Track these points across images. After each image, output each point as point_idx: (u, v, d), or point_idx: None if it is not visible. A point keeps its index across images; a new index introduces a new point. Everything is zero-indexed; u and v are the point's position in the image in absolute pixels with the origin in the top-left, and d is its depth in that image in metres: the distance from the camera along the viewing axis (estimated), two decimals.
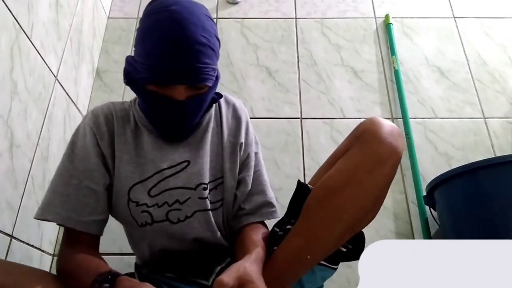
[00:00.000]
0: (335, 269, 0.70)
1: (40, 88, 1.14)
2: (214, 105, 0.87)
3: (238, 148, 0.83)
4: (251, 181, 0.83)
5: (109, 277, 0.59)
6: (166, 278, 0.76)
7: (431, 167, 1.37)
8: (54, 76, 1.23)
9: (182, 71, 0.69)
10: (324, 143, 1.43)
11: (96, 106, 0.83)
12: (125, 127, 0.80)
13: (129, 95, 1.51)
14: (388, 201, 1.34)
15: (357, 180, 0.61)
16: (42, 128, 1.15)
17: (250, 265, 0.57)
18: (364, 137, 0.63)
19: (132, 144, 0.79)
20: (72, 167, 0.74)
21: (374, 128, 0.63)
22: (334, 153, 0.73)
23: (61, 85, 1.28)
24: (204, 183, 0.77)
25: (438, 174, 1.14)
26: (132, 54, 0.77)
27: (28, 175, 1.08)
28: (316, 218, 0.63)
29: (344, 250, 0.67)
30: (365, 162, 0.61)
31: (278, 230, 0.72)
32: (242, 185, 0.82)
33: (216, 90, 0.83)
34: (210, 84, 0.74)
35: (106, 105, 0.84)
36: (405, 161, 1.39)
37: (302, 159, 1.41)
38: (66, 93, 1.32)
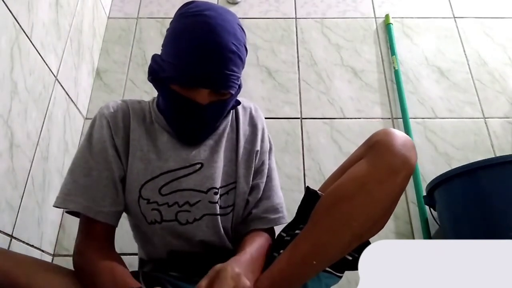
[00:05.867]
0: (340, 277, 0.70)
1: (40, 88, 1.14)
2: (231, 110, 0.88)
3: (254, 155, 0.84)
4: (262, 188, 0.83)
5: None
6: (170, 277, 0.76)
7: (431, 167, 1.37)
8: (54, 76, 1.23)
9: (210, 76, 0.70)
10: (324, 143, 1.43)
11: (113, 101, 0.84)
12: (140, 124, 0.81)
13: (129, 95, 1.52)
14: None
15: (368, 190, 0.61)
16: (42, 128, 1.15)
17: (225, 264, 0.58)
18: (377, 147, 0.64)
19: (146, 141, 0.79)
20: (91, 159, 0.75)
21: (388, 139, 0.63)
22: (345, 162, 0.74)
23: (61, 85, 1.28)
24: (216, 188, 0.78)
25: (438, 174, 1.14)
26: (158, 53, 0.78)
27: (28, 175, 1.08)
28: (325, 224, 0.63)
29: (350, 258, 0.67)
30: (377, 172, 0.61)
31: (285, 235, 0.72)
32: (255, 191, 0.82)
33: None
34: (233, 91, 0.76)
35: (122, 101, 0.85)
36: None
37: (302, 159, 1.41)
38: (66, 93, 1.32)
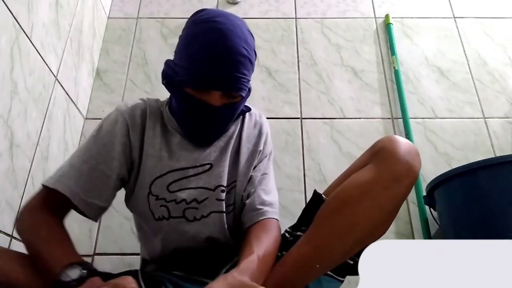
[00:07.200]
0: (342, 281, 0.71)
1: (40, 88, 1.14)
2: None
3: (256, 155, 0.86)
4: (257, 181, 0.85)
5: (80, 276, 0.57)
6: (173, 276, 0.76)
7: (431, 167, 1.37)
8: (54, 76, 1.23)
9: (222, 79, 0.73)
10: (324, 143, 1.43)
11: (131, 100, 0.86)
12: (156, 123, 0.84)
13: (129, 95, 1.52)
14: None
15: (373, 195, 0.62)
16: (42, 128, 1.15)
17: (238, 274, 0.59)
18: (382, 154, 0.65)
19: (159, 139, 0.82)
20: (94, 148, 0.77)
21: (392, 146, 0.64)
22: (349, 168, 0.75)
23: (61, 85, 1.28)
24: (223, 186, 0.80)
25: (438, 174, 1.14)
26: (171, 58, 0.81)
27: (28, 175, 1.08)
28: (328, 228, 0.64)
29: (351, 262, 0.68)
30: (382, 179, 0.62)
31: (288, 236, 0.73)
32: (249, 184, 0.84)
33: None
34: (244, 94, 0.78)
35: (141, 99, 0.87)
36: None
37: (302, 159, 1.41)
38: (66, 93, 1.32)
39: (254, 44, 0.79)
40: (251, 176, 0.85)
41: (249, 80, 0.78)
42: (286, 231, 0.74)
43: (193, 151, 0.82)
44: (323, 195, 0.71)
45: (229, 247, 0.81)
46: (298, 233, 0.70)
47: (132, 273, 0.74)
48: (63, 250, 0.63)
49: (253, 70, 0.79)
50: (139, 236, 0.88)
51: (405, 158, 0.62)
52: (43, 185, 0.73)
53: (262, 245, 0.70)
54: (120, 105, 0.84)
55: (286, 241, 0.72)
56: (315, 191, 0.73)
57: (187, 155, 0.81)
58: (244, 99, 0.81)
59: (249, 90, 0.82)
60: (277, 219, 0.79)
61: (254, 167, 0.86)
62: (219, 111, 0.76)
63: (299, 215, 0.78)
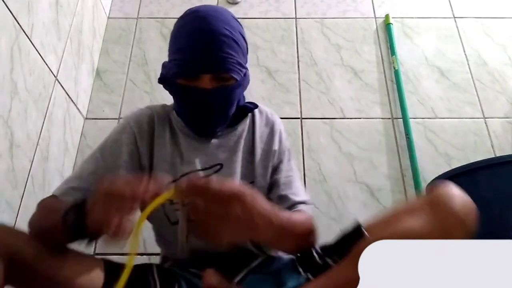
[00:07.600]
0: None
1: (40, 88, 1.14)
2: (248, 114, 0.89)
3: (272, 154, 0.85)
4: (282, 184, 0.83)
5: (76, 208, 0.60)
6: (189, 273, 0.76)
7: (431, 167, 1.37)
8: (54, 76, 1.23)
9: (206, 61, 0.74)
10: (324, 143, 1.43)
11: (138, 108, 0.88)
12: (165, 129, 0.84)
13: (129, 95, 1.52)
14: (388, 201, 1.34)
15: None
16: (42, 128, 1.15)
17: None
18: (436, 206, 0.62)
19: (169, 145, 0.82)
20: (101, 158, 0.78)
21: (447, 198, 0.63)
22: (399, 207, 0.70)
23: (61, 85, 1.28)
24: None
25: (438, 174, 1.14)
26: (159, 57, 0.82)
27: (28, 175, 1.08)
28: None
29: None
30: (432, 232, 0.60)
31: (317, 257, 0.70)
32: (275, 188, 0.83)
33: None
34: (235, 76, 0.77)
35: (148, 107, 0.88)
36: (405, 161, 1.39)
37: (302, 159, 1.41)
38: (66, 93, 1.32)
39: (242, 29, 0.80)
40: (275, 179, 0.83)
41: (239, 62, 0.77)
42: (314, 249, 0.72)
43: (202, 152, 0.82)
44: (365, 231, 0.68)
45: (246, 250, 0.78)
46: (329, 260, 0.68)
47: (146, 266, 0.74)
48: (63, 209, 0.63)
49: (243, 53, 0.79)
50: (157, 241, 0.89)
51: (459, 213, 0.60)
52: (54, 194, 0.74)
53: (293, 214, 0.72)
54: (127, 114, 0.86)
55: (315, 263, 0.69)
56: (358, 224, 0.68)
57: (196, 156, 0.81)
58: (239, 83, 0.79)
59: (245, 75, 0.81)
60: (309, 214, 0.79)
61: (275, 169, 0.84)
62: (213, 94, 0.76)
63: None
